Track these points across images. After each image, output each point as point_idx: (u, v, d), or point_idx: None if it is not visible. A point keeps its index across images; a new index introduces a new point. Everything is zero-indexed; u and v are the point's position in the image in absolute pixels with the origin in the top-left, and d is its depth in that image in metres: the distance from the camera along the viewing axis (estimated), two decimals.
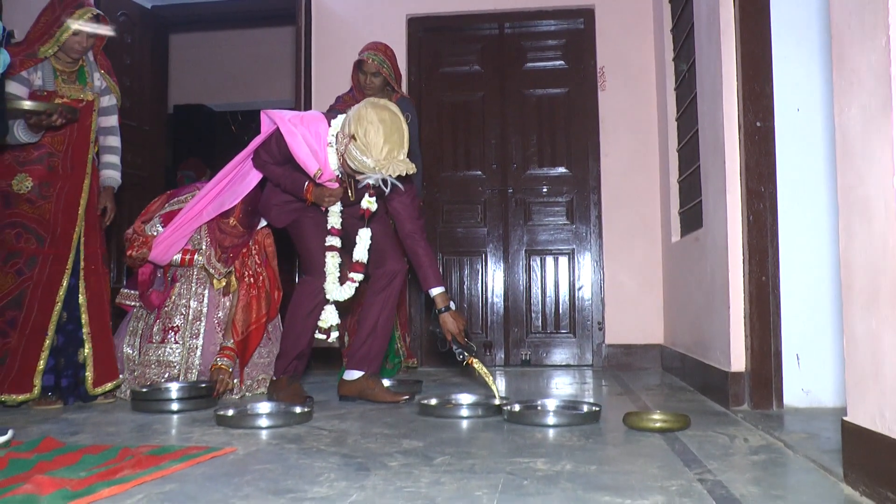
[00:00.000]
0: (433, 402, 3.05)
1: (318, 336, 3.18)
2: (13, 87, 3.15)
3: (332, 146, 2.98)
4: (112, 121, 3.54)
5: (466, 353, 3.06)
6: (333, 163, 3.00)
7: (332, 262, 3.18)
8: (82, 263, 3.33)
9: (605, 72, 5.06)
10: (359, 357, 3.34)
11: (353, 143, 2.78)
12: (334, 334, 3.15)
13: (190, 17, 6.15)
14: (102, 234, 3.48)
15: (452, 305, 3.12)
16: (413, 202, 3.26)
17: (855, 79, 1.75)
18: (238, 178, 3.41)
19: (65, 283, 3.26)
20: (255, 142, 3.19)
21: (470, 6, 5.21)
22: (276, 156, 3.11)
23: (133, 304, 3.72)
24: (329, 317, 3.15)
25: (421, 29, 5.27)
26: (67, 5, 3.24)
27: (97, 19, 3.29)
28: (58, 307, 3.23)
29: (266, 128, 3.17)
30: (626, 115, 5.04)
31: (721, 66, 3.11)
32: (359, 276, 3.16)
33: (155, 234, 3.55)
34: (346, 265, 3.22)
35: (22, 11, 4.37)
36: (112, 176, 3.52)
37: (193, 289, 3.63)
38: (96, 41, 3.37)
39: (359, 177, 2.89)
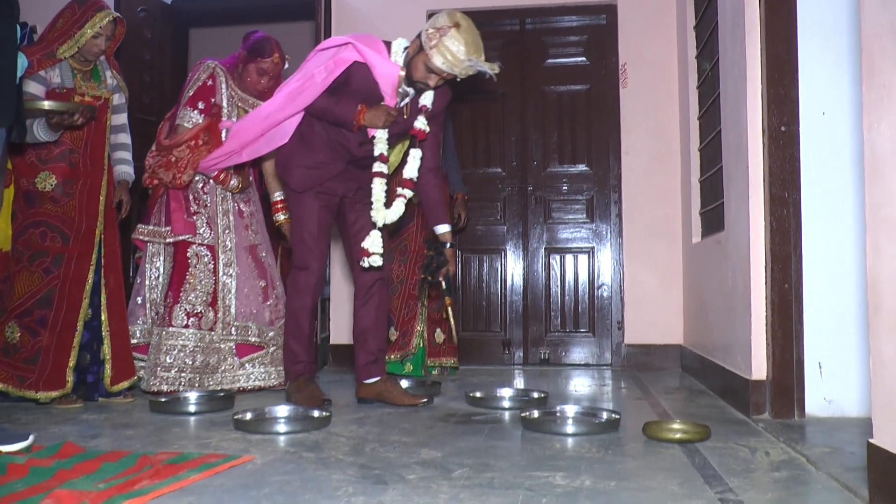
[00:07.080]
0: (478, 394, 3.38)
1: (362, 264, 3.13)
2: (31, 87, 3.19)
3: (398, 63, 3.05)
4: (123, 118, 3.58)
5: (451, 292, 3.25)
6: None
7: (380, 187, 3.15)
8: (103, 261, 3.38)
9: (627, 69, 5.00)
10: (369, 366, 3.35)
11: (454, 30, 2.88)
12: (376, 260, 3.09)
13: (210, 13, 6.18)
14: (118, 231, 3.52)
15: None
16: (438, 138, 3.37)
17: (885, 94, 1.71)
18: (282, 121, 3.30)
19: (90, 280, 3.31)
20: (296, 75, 3.15)
21: (491, 2, 5.14)
22: (332, 80, 3.06)
23: (147, 239, 3.75)
24: (373, 243, 3.09)
25: None
26: (87, 8, 3.28)
27: (115, 23, 3.34)
28: (85, 303, 3.29)
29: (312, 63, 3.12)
30: (648, 112, 4.98)
31: (746, 67, 3.05)
32: (409, 192, 3.18)
33: (189, 124, 3.63)
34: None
35: (41, 9, 4.41)
36: (126, 171, 3.57)
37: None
38: (112, 44, 3.41)
39: (443, 73, 2.95)
